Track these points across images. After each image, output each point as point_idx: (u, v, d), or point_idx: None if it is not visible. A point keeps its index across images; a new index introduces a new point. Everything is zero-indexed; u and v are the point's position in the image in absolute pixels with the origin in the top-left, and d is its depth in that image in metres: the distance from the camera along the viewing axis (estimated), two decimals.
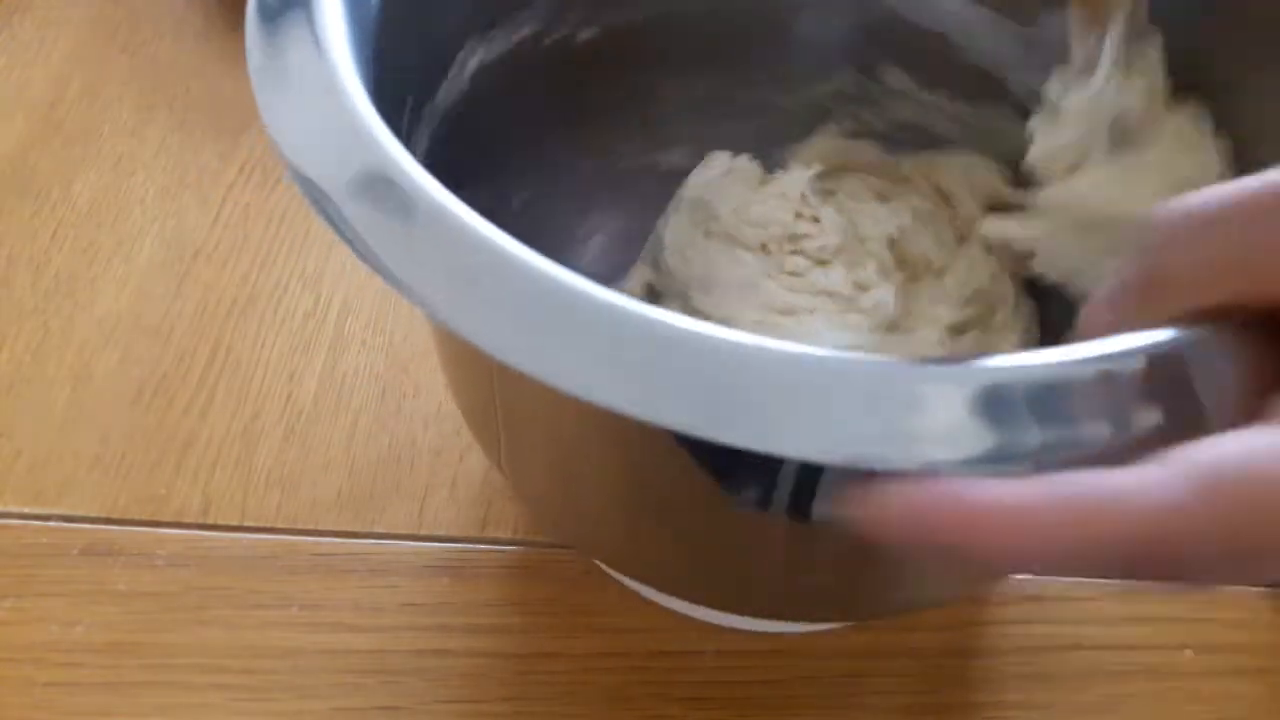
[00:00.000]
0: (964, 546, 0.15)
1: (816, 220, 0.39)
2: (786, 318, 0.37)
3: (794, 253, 0.38)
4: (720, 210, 0.39)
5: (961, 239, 0.39)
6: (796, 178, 0.39)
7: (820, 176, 0.40)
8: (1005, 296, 0.37)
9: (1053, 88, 0.32)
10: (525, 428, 0.28)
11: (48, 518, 0.37)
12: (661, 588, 0.33)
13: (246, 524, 0.37)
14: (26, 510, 0.37)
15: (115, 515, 0.37)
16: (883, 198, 0.40)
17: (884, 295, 0.37)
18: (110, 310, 0.42)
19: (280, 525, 0.37)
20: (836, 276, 0.37)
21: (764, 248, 0.38)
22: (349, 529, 0.37)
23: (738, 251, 0.38)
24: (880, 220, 0.39)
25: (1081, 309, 0.20)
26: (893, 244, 0.38)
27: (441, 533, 0.37)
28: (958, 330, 0.37)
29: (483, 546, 0.36)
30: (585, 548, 0.34)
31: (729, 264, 0.38)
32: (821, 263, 0.38)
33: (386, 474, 0.38)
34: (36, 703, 0.33)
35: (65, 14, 0.52)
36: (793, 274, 0.38)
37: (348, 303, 0.42)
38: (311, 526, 0.37)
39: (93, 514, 0.37)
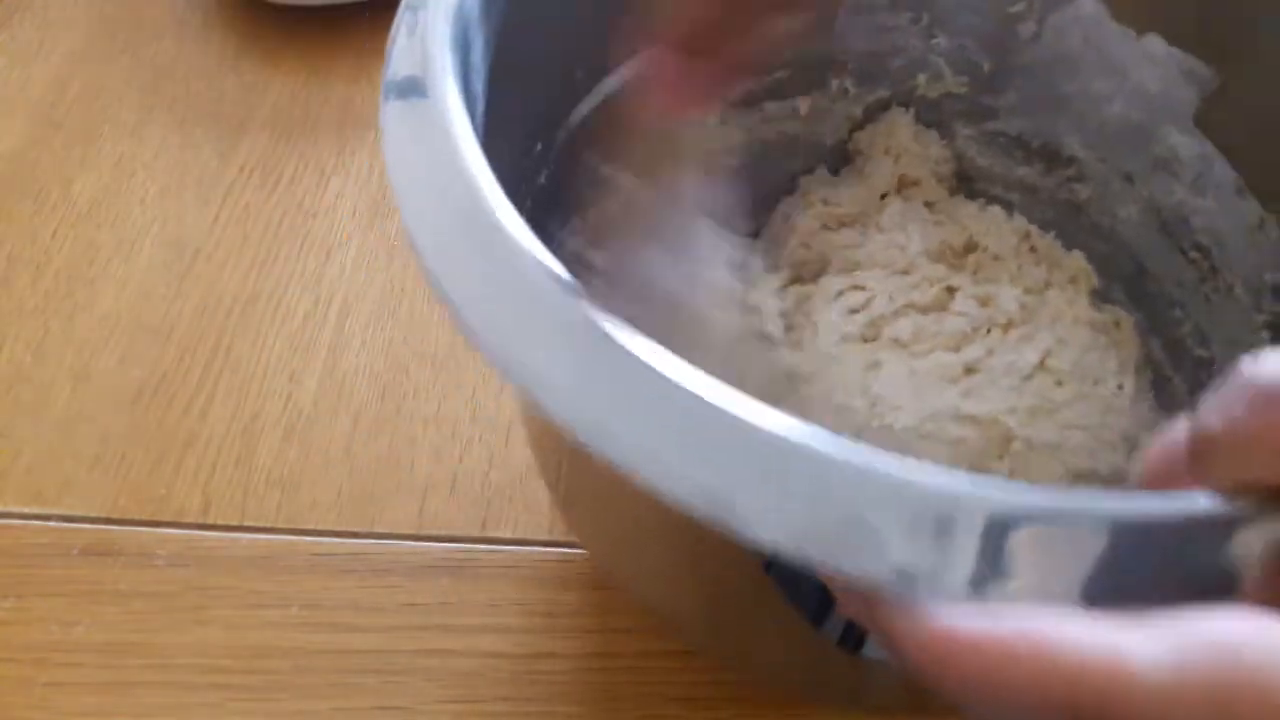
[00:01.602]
0: (918, 669, 0.15)
1: (862, 289, 0.35)
2: (974, 376, 0.33)
3: (885, 319, 0.34)
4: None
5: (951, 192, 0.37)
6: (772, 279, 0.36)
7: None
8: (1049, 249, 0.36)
9: None
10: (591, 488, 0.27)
11: (48, 518, 0.37)
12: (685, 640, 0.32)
13: (246, 524, 0.37)
14: (26, 510, 0.37)
15: (115, 515, 0.37)
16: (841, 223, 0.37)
17: (1007, 295, 0.34)
18: (110, 310, 0.42)
19: (280, 525, 0.37)
20: (965, 304, 0.34)
21: (862, 339, 0.34)
22: (349, 529, 0.37)
23: (840, 355, 0.34)
24: (902, 242, 0.36)
25: (1141, 452, 0.19)
26: (930, 254, 0.36)
27: (441, 533, 0.37)
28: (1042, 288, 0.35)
29: (483, 546, 0.36)
30: (624, 581, 0.33)
31: (858, 374, 0.33)
32: (923, 310, 0.34)
33: (386, 474, 0.38)
34: (36, 703, 0.33)
35: (65, 14, 0.52)
36: (917, 339, 0.34)
37: (348, 303, 0.43)
38: (311, 526, 0.37)
39: (93, 514, 0.37)
